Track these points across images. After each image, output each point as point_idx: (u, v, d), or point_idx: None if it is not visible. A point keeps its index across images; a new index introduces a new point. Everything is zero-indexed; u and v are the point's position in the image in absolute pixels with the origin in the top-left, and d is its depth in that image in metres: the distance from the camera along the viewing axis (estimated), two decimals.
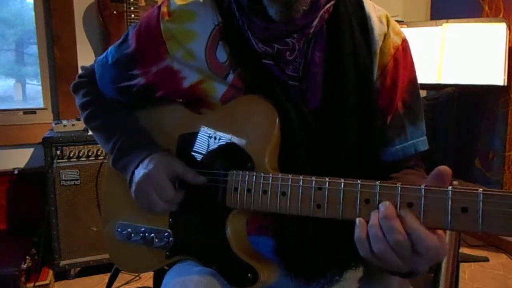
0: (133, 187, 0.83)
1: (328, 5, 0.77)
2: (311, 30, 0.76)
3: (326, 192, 0.65)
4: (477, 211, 0.54)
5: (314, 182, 0.66)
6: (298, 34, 0.76)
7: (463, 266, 2.21)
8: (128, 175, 0.85)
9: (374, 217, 0.58)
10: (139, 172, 0.82)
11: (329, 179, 0.65)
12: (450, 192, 0.56)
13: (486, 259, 2.32)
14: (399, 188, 0.59)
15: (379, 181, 0.61)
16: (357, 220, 0.60)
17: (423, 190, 0.58)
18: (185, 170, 0.81)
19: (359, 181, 0.62)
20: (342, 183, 0.64)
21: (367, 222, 0.59)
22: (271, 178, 0.71)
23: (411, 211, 0.57)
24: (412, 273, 0.61)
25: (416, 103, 0.83)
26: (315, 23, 0.76)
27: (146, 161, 0.83)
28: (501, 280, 2.17)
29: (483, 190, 0.54)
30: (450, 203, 0.55)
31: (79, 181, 1.98)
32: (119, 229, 0.90)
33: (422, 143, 0.83)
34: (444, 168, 0.57)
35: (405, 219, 0.57)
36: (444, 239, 0.58)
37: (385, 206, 0.58)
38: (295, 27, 0.75)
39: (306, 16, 0.74)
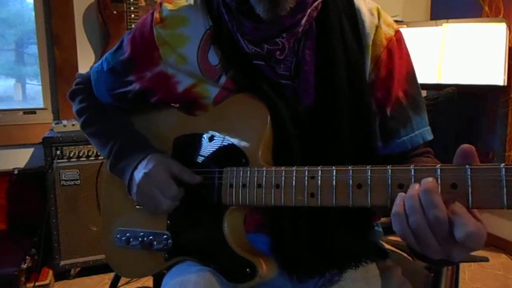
0: (134, 189, 0.83)
1: (316, 3, 0.77)
2: (300, 29, 0.77)
3: (319, 180, 0.66)
4: (465, 186, 0.54)
5: (306, 171, 0.67)
6: (287, 34, 0.76)
7: (463, 266, 2.21)
8: (126, 178, 0.85)
9: (412, 189, 0.56)
10: (139, 173, 0.82)
11: (321, 167, 0.66)
12: (439, 170, 0.56)
13: (486, 259, 2.31)
14: (390, 170, 0.60)
15: (369, 166, 0.62)
16: (399, 195, 0.57)
17: (412, 170, 0.58)
18: (181, 170, 0.82)
19: (350, 167, 0.64)
20: (334, 170, 0.65)
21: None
22: (265, 171, 0.72)
23: (456, 193, 0.55)
24: (446, 261, 0.58)
25: (418, 93, 0.84)
26: (303, 21, 0.76)
27: (144, 162, 0.83)
28: (501, 280, 2.17)
29: (469, 165, 0.55)
30: (439, 180, 0.56)
31: (79, 181, 1.98)
32: (118, 236, 0.90)
33: (427, 132, 0.84)
34: (467, 146, 0.55)
35: (449, 201, 0.54)
36: (484, 227, 0.54)
37: (428, 180, 0.55)
38: (284, 26, 0.75)
39: (294, 15, 0.74)
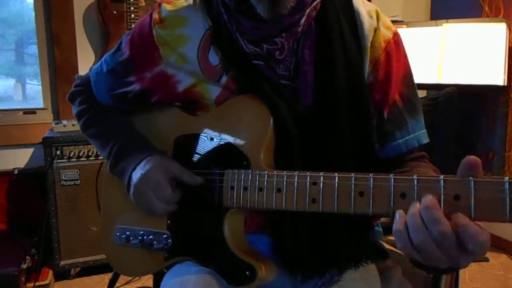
0: (132, 190, 0.84)
1: (315, 3, 0.77)
2: (299, 29, 0.77)
3: (321, 187, 0.66)
4: (469, 198, 0.54)
5: (308, 177, 0.67)
6: (286, 34, 0.76)
7: None
8: (125, 179, 0.85)
9: (413, 207, 0.56)
10: (137, 174, 0.82)
11: (323, 173, 0.66)
12: (442, 181, 0.56)
13: (486, 259, 2.30)
14: (392, 179, 0.60)
15: (372, 174, 0.62)
16: (397, 212, 0.58)
17: (415, 180, 0.58)
18: (181, 171, 0.82)
19: (353, 174, 0.63)
20: (336, 177, 0.65)
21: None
22: (266, 175, 0.72)
23: (459, 205, 0.55)
24: (452, 268, 0.59)
25: (414, 96, 0.84)
26: (302, 21, 0.76)
27: (143, 163, 0.83)
28: (501, 280, 2.17)
29: (473, 178, 0.55)
30: (442, 191, 0.56)
31: (79, 181, 1.98)
32: (118, 233, 0.90)
33: (423, 135, 0.84)
34: (472, 158, 0.55)
35: (450, 213, 0.54)
36: (487, 231, 0.54)
37: (428, 198, 0.55)
38: (283, 26, 0.75)
39: (293, 14, 0.74)
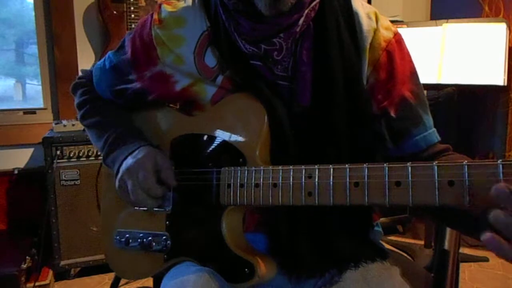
0: (119, 175, 0.84)
1: (313, 3, 0.78)
2: (298, 29, 0.77)
3: (317, 180, 0.66)
4: (463, 183, 0.54)
5: (304, 171, 0.68)
6: (284, 34, 0.76)
7: (463, 266, 2.21)
8: (116, 167, 0.86)
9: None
10: (127, 162, 0.83)
11: (318, 166, 0.67)
12: (436, 167, 0.56)
13: (486, 259, 2.32)
14: (387, 168, 0.60)
15: (366, 164, 0.62)
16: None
17: (409, 167, 0.58)
18: (163, 166, 0.82)
19: (347, 166, 0.64)
20: (331, 169, 0.65)
21: None
22: (262, 171, 0.72)
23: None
24: None
25: (423, 93, 0.83)
26: (301, 21, 0.76)
27: (135, 152, 0.84)
28: (501, 280, 2.17)
29: (467, 162, 0.54)
30: (437, 178, 0.56)
31: (79, 181, 1.98)
32: (117, 237, 0.90)
33: (436, 131, 0.83)
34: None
35: None
36: None
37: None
38: (281, 26, 0.75)
39: (292, 14, 0.75)
